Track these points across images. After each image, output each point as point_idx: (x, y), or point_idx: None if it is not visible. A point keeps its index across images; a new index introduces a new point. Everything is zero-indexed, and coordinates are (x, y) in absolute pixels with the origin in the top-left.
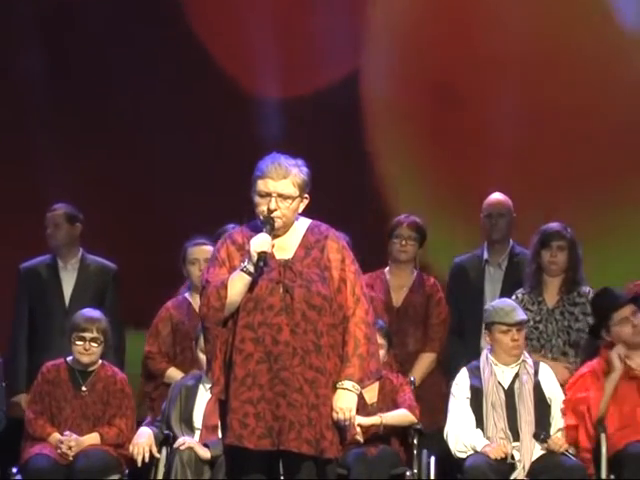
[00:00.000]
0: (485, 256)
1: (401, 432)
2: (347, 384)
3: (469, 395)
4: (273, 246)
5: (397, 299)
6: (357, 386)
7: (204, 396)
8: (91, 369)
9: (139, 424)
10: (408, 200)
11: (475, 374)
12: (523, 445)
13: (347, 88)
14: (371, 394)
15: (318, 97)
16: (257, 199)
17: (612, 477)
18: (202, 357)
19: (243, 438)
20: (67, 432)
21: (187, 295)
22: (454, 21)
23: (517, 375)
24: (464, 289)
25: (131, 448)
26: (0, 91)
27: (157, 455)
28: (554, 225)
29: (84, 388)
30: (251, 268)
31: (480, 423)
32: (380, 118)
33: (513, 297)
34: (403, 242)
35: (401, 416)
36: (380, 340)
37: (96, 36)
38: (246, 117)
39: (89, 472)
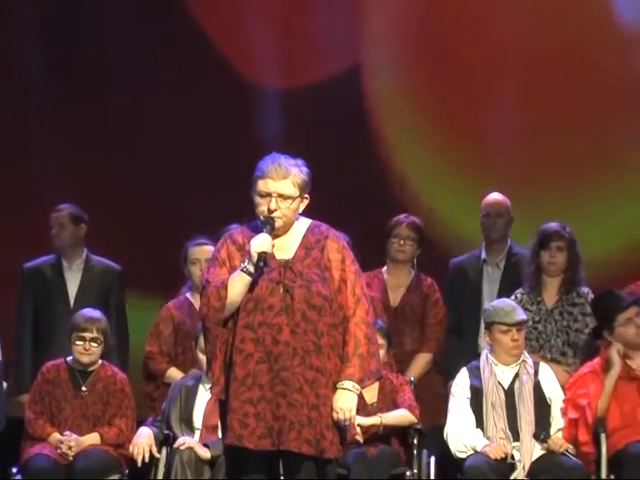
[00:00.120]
0: (483, 256)
1: (401, 432)
2: (347, 384)
3: (469, 395)
4: (273, 246)
5: (394, 299)
6: (357, 386)
7: (204, 396)
8: (91, 369)
9: (139, 424)
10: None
11: (475, 374)
12: (523, 445)
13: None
14: (371, 394)
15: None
16: (257, 199)
17: (612, 477)
18: (202, 357)
19: (243, 438)
20: (67, 432)
21: (188, 295)
22: (456, 12)
23: (517, 375)
24: (462, 289)
25: (131, 448)
26: (0, 91)
27: (157, 455)
28: (553, 225)
29: (84, 388)
30: (251, 268)
31: (480, 423)
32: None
33: (512, 297)
34: (402, 242)
35: (401, 416)
36: (380, 340)
37: (96, 36)
38: (247, 116)
39: (89, 472)
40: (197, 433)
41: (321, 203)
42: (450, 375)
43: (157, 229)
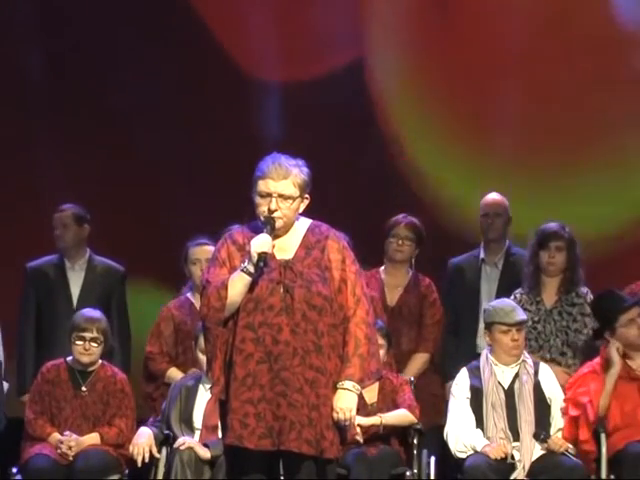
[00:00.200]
0: (481, 255)
1: (401, 432)
2: (347, 384)
3: (469, 395)
4: (273, 246)
5: (392, 298)
6: (357, 386)
7: (204, 396)
8: (91, 369)
9: (140, 424)
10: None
11: (475, 374)
12: (523, 445)
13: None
14: (371, 394)
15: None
16: (258, 199)
17: (612, 477)
18: (201, 357)
19: (243, 438)
20: (67, 432)
21: (189, 295)
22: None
23: (517, 375)
24: (460, 288)
25: (131, 448)
26: (0, 91)
27: (157, 455)
28: (552, 225)
29: (84, 388)
30: (251, 268)
31: (480, 423)
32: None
33: (511, 297)
34: (400, 242)
35: (401, 416)
36: (380, 340)
37: (96, 35)
38: (247, 112)
39: (89, 472)
40: (197, 433)
41: (321, 202)
42: (447, 375)
43: (157, 229)
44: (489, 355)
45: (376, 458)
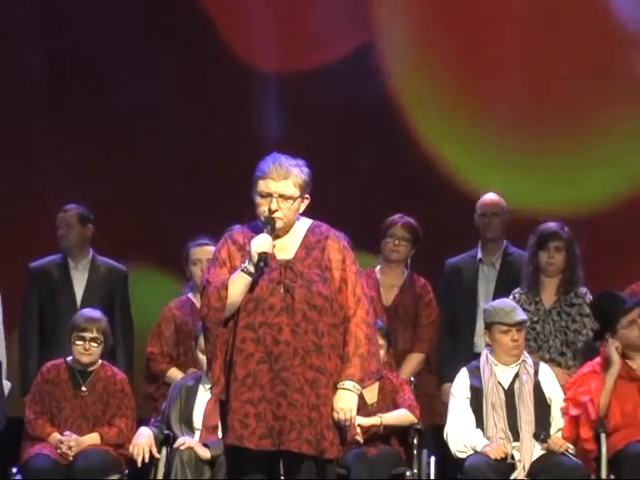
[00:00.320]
0: (479, 255)
1: (401, 432)
2: (348, 384)
3: (469, 395)
4: (274, 246)
5: (387, 298)
6: (358, 386)
7: (204, 396)
8: (91, 369)
9: (141, 424)
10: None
11: (475, 374)
12: (523, 445)
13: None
14: (371, 394)
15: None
16: (258, 199)
17: (612, 477)
18: (201, 357)
19: (244, 438)
20: (67, 432)
21: (190, 295)
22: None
23: (517, 375)
24: (458, 288)
25: (131, 448)
26: (0, 91)
27: (157, 455)
28: (551, 225)
29: (84, 388)
30: (251, 268)
31: (480, 423)
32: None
33: (510, 297)
34: (396, 242)
35: (401, 416)
36: (380, 340)
37: (95, 34)
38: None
39: (89, 472)
40: (197, 433)
41: (321, 202)
42: (443, 376)
43: (157, 229)
44: (489, 355)
45: (376, 458)
